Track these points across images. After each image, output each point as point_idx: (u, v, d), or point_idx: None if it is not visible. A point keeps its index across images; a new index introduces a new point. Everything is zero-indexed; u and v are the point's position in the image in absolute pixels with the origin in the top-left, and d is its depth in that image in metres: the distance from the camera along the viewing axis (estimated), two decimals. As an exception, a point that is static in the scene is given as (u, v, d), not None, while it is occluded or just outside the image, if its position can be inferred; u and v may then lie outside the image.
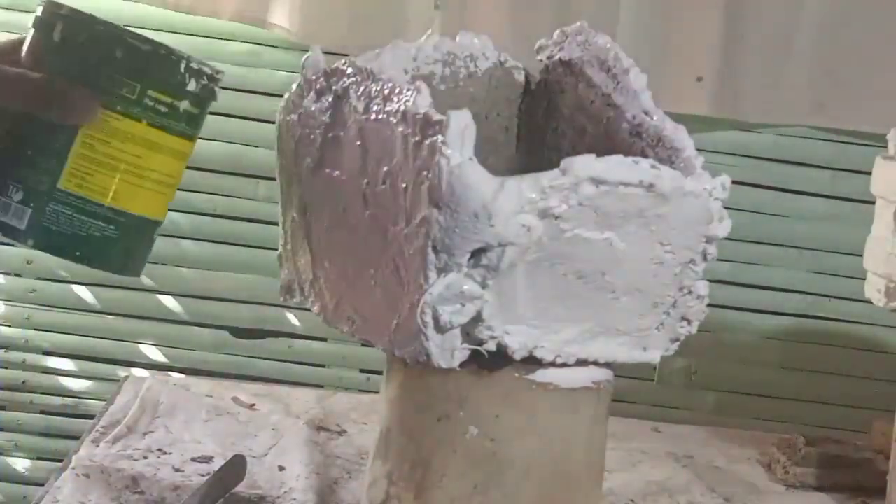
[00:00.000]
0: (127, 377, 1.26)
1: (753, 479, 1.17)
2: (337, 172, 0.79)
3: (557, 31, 0.89)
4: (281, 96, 0.85)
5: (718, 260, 0.78)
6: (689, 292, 0.78)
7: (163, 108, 0.74)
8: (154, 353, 1.83)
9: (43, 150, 0.73)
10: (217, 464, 1.01)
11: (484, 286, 0.70)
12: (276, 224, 0.89)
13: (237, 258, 1.84)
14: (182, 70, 0.75)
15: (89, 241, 0.74)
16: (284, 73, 1.81)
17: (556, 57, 0.88)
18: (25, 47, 0.75)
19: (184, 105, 0.75)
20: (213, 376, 1.65)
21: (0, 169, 0.74)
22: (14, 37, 0.76)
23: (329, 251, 0.81)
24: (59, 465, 1.00)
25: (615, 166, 0.70)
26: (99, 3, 1.78)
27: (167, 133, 0.75)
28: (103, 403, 1.19)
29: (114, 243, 0.75)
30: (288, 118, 0.84)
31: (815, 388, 1.86)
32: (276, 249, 0.89)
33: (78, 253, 0.74)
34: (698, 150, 0.78)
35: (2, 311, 1.83)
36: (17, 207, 0.73)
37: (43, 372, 1.85)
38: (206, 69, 0.76)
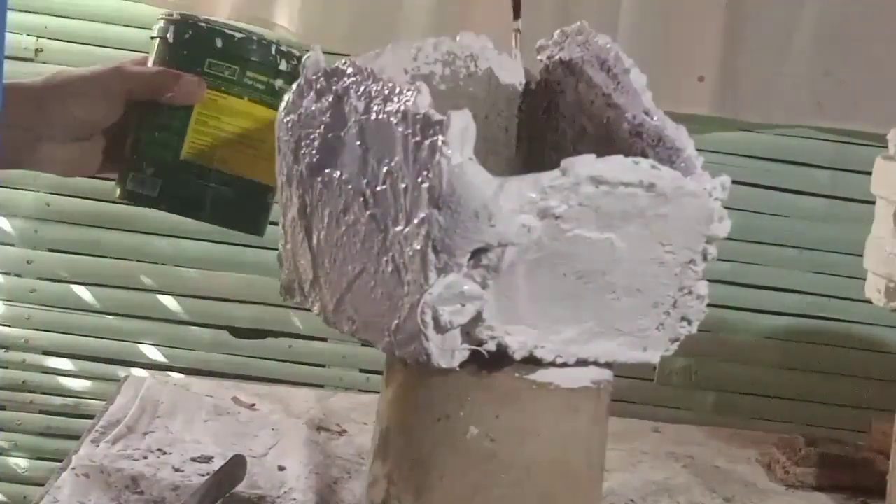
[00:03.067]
0: (127, 377, 1.26)
1: (753, 479, 1.17)
2: (337, 172, 0.79)
3: (558, 31, 0.89)
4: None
5: (718, 260, 0.78)
6: (690, 292, 0.78)
7: (260, 86, 0.88)
8: (154, 353, 1.83)
9: (166, 129, 0.88)
10: (217, 464, 1.01)
11: (484, 286, 0.70)
12: (276, 224, 0.89)
13: (237, 258, 1.84)
14: (273, 52, 0.88)
15: (211, 202, 0.89)
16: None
17: (557, 57, 0.88)
18: (151, 53, 0.92)
19: (278, 83, 0.89)
20: (213, 376, 1.65)
21: (136, 152, 0.90)
22: (139, 56, 0.94)
23: (329, 251, 0.81)
24: (59, 465, 1.00)
25: (616, 166, 0.70)
26: (100, 3, 1.79)
27: (265, 107, 0.89)
28: (103, 403, 1.19)
29: (231, 204, 0.89)
30: (288, 118, 0.84)
31: (815, 388, 1.86)
32: (276, 249, 0.89)
33: (202, 213, 0.89)
34: (698, 150, 0.78)
35: (2, 311, 1.83)
36: (150, 180, 0.88)
37: (43, 372, 1.85)
38: (294, 51, 0.90)
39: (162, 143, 0.88)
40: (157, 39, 0.91)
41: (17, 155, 0.89)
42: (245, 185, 0.89)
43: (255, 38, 0.88)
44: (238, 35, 0.88)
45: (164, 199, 0.89)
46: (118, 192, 0.92)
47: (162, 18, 0.91)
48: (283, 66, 0.89)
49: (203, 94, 0.87)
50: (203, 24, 0.88)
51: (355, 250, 0.78)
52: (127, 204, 0.94)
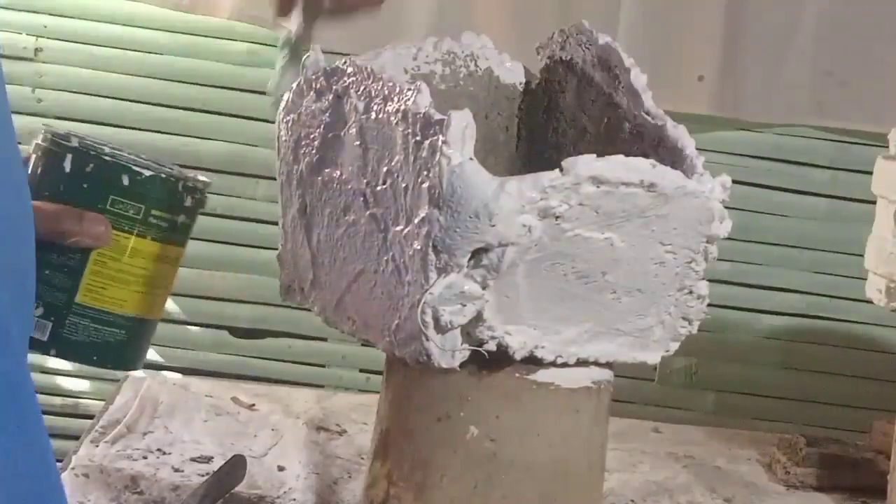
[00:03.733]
0: (126, 377, 1.26)
1: (754, 479, 1.17)
2: (337, 172, 0.79)
3: (558, 31, 0.89)
4: (281, 96, 0.85)
5: (718, 260, 0.78)
6: (690, 292, 0.78)
7: (164, 224, 0.82)
8: (153, 353, 1.83)
9: (60, 269, 0.80)
10: (217, 464, 1.01)
11: (484, 286, 0.70)
12: (276, 224, 0.89)
13: (237, 258, 1.84)
14: (180, 189, 0.82)
15: (104, 346, 0.82)
16: (284, 72, 1.81)
17: (557, 56, 0.88)
18: (31, 172, 0.81)
19: (181, 219, 0.83)
20: (212, 376, 1.65)
21: None
22: None
23: (329, 251, 0.81)
24: (59, 465, 1.00)
25: (616, 166, 0.70)
26: (99, 3, 1.79)
27: (168, 244, 0.83)
28: (103, 403, 1.19)
29: (124, 345, 0.82)
30: (288, 118, 0.84)
31: (815, 388, 1.86)
32: (276, 249, 0.89)
33: (95, 357, 0.82)
34: (698, 149, 0.78)
35: (1, 310, 1.82)
36: (38, 322, 0.80)
37: (42, 372, 1.85)
38: (198, 184, 0.84)
39: (54, 284, 0.80)
40: (47, 163, 0.81)
41: None
42: (139, 326, 0.83)
43: (162, 175, 0.81)
44: (145, 173, 0.80)
45: (53, 345, 0.80)
46: None
47: (51, 136, 0.81)
48: (187, 201, 0.83)
49: (110, 236, 0.79)
50: (107, 158, 0.80)
51: (355, 250, 0.78)
52: None
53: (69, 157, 0.80)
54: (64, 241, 0.79)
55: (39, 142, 0.82)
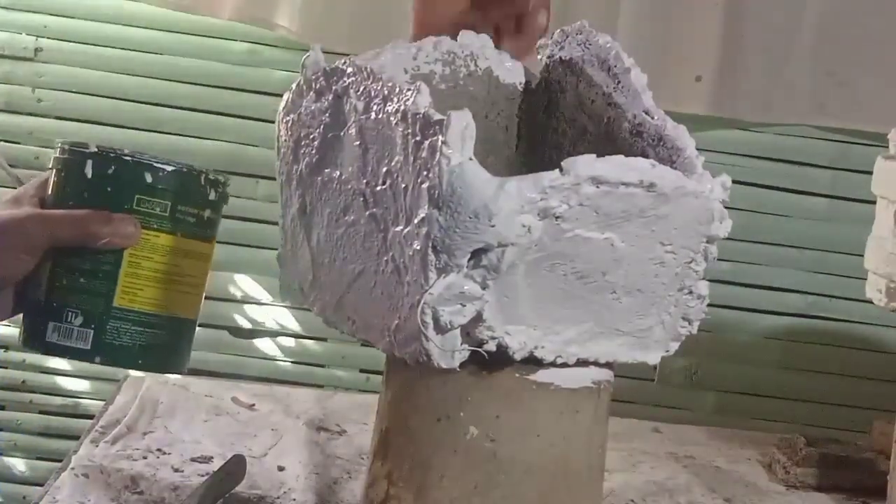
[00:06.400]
0: (126, 377, 1.26)
1: (754, 479, 1.17)
2: (337, 172, 0.79)
3: (558, 31, 0.89)
4: (281, 96, 0.85)
5: (718, 260, 0.78)
6: (690, 292, 0.78)
7: (191, 219, 0.82)
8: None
9: (94, 275, 0.80)
10: (216, 464, 1.01)
11: (484, 286, 0.70)
12: (276, 224, 0.89)
13: (237, 258, 1.84)
14: (203, 183, 0.83)
15: (147, 349, 0.82)
16: (284, 72, 1.81)
17: (557, 56, 0.88)
18: (53, 186, 0.82)
19: (207, 213, 0.83)
20: (212, 376, 1.65)
21: (55, 299, 0.81)
22: (34, 181, 0.84)
23: (329, 251, 0.81)
24: (59, 465, 1.00)
25: (616, 166, 0.70)
26: (99, 3, 1.79)
27: (198, 240, 0.83)
28: (102, 403, 1.19)
29: (167, 347, 0.83)
30: (288, 118, 0.84)
31: (815, 388, 1.86)
32: (276, 249, 0.89)
33: (140, 361, 0.82)
34: (698, 149, 0.78)
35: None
36: (79, 331, 0.80)
37: (42, 372, 1.85)
38: (220, 178, 0.84)
39: (90, 290, 0.80)
40: (68, 171, 0.82)
41: None
42: (178, 325, 0.84)
43: (184, 169, 0.82)
44: (168, 168, 0.81)
45: (97, 352, 0.81)
46: (24, 340, 0.82)
47: (68, 146, 0.82)
48: (212, 195, 0.83)
49: (139, 235, 0.80)
50: (128, 158, 0.81)
51: (355, 250, 0.78)
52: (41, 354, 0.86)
53: (89, 162, 0.80)
54: (95, 244, 0.79)
55: (57, 155, 0.82)
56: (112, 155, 0.81)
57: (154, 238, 0.81)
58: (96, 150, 0.81)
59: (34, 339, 0.82)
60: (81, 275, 0.80)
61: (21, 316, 0.83)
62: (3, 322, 0.84)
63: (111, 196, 0.80)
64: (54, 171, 0.83)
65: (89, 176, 0.80)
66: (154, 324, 0.82)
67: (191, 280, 0.84)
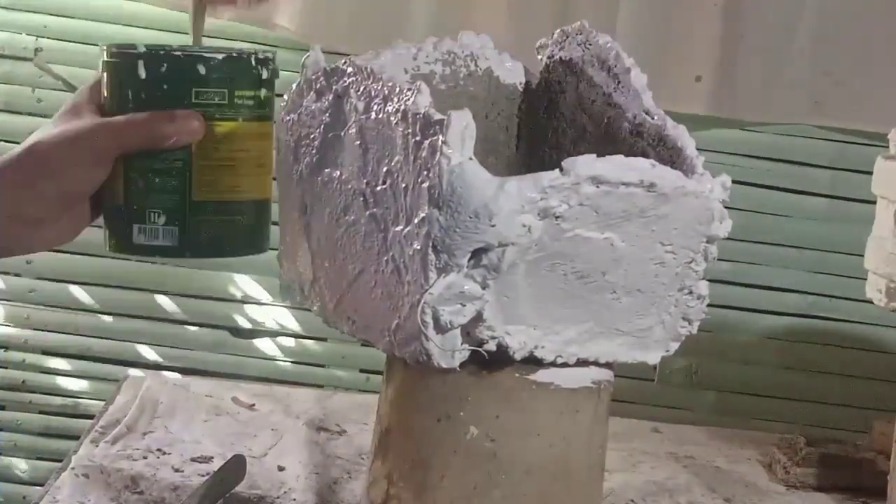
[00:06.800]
0: (126, 377, 1.26)
1: (754, 479, 1.17)
2: (337, 172, 0.79)
3: (558, 31, 0.89)
4: (281, 96, 0.85)
5: (718, 260, 0.78)
6: (690, 292, 0.78)
7: (249, 102, 0.82)
8: (153, 353, 1.83)
9: (168, 174, 0.81)
10: (217, 464, 1.01)
11: (484, 286, 0.70)
12: (276, 224, 0.89)
13: (237, 258, 1.83)
14: (254, 64, 0.82)
15: (232, 235, 0.83)
16: (284, 72, 1.81)
17: (557, 56, 0.88)
18: (108, 90, 0.82)
19: (263, 93, 0.83)
20: (212, 376, 1.65)
21: (135, 202, 0.82)
22: (85, 86, 0.83)
23: (329, 251, 0.81)
24: (59, 465, 1.00)
25: (616, 166, 0.70)
26: (99, 3, 1.79)
27: (259, 121, 0.83)
28: (103, 403, 1.19)
29: (251, 229, 0.83)
30: (288, 118, 0.84)
31: (815, 388, 1.85)
32: (276, 249, 0.89)
33: (228, 248, 0.83)
34: (698, 149, 0.78)
35: (1, 311, 1.82)
36: (164, 230, 0.81)
37: (42, 372, 1.85)
38: (269, 55, 0.84)
39: (167, 188, 0.81)
40: (121, 74, 0.82)
41: None
42: (256, 207, 0.84)
43: (234, 54, 0.82)
44: (219, 56, 0.81)
45: (187, 248, 0.82)
46: (113, 246, 0.83)
47: (116, 49, 0.82)
48: (264, 74, 0.83)
49: (203, 127, 0.80)
50: (179, 54, 0.81)
51: (355, 250, 0.78)
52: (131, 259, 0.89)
53: (140, 62, 0.80)
54: (164, 144, 0.79)
55: (106, 59, 0.82)
56: (162, 53, 0.81)
57: (218, 127, 0.81)
58: (145, 50, 0.81)
59: (122, 243, 0.82)
60: (156, 175, 0.81)
61: (103, 223, 0.84)
62: (85, 228, 0.84)
63: (169, 93, 0.80)
64: (105, 74, 0.82)
65: (143, 77, 0.81)
66: (233, 210, 0.83)
67: (258, 161, 0.83)
